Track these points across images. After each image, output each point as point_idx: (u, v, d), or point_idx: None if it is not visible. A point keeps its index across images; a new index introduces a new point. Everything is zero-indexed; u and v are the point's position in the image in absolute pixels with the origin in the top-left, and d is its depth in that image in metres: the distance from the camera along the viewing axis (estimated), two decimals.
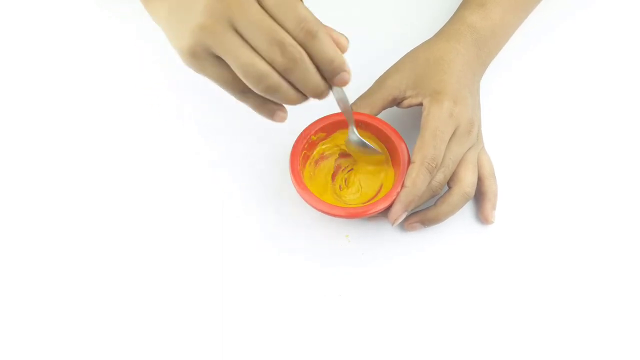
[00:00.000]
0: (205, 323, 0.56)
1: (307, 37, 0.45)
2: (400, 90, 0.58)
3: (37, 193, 0.61)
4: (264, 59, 0.45)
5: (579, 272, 0.58)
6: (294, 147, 0.57)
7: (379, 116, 0.59)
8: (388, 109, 0.60)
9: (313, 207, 0.56)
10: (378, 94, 0.59)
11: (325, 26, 0.46)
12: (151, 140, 0.63)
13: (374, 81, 0.60)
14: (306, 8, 0.45)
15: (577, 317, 0.56)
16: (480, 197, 0.60)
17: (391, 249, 0.59)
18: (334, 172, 0.60)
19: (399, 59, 0.61)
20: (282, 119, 0.50)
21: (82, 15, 0.69)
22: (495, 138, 0.62)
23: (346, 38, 0.48)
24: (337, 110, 0.60)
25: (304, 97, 0.48)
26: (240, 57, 0.45)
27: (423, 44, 0.61)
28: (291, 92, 0.47)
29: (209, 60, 0.46)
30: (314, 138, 0.59)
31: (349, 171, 0.60)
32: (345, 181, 0.60)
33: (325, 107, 0.60)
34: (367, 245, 0.59)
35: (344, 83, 0.48)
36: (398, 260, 0.59)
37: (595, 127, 0.64)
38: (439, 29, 0.63)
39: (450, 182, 0.58)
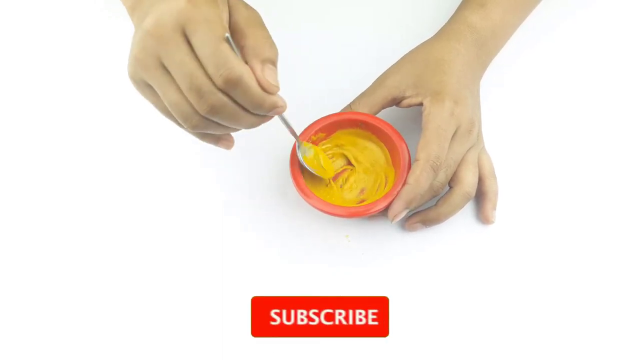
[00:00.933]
0: (206, 323, 0.56)
1: (228, 85, 0.44)
2: (400, 90, 0.58)
3: (38, 193, 0.61)
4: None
5: (579, 271, 0.58)
6: (294, 146, 0.57)
7: (379, 116, 0.59)
8: (388, 109, 0.60)
9: (313, 206, 0.56)
10: (378, 94, 0.59)
11: (255, 66, 0.45)
12: (152, 140, 0.63)
13: (373, 81, 0.60)
14: (229, 50, 0.44)
15: (577, 316, 0.56)
16: (480, 197, 0.60)
17: (391, 249, 0.59)
18: (334, 171, 0.60)
19: (398, 58, 0.61)
20: (227, 147, 0.51)
21: (82, 15, 0.69)
22: (495, 138, 0.62)
23: (276, 84, 0.46)
24: (339, 109, 0.60)
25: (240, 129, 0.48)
26: (166, 95, 0.45)
27: (423, 43, 0.61)
28: (222, 128, 0.47)
29: (147, 88, 0.46)
30: (314, 138, 0.59)
31: (349, 170, 0.60)
32: (345, 180, 0.60)
33: (326, 107, 0.60)
34: (367, 245, 0.59)
35: (279, 113, 0.47)
36: (398, 260, 0.59)
37: (596, 127, 0.64)
38: (438, 29, 0.63)
39: (451, 182, 0.58)
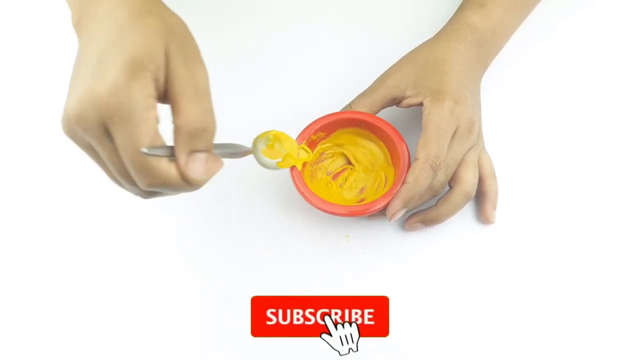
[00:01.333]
0: (206, 323, 0.56)
1: (152, 187, 0.42)
2: (400, 89, 0.58)
3: (28, 190, 0.61)
4: None
5: (579, 271, 0.58)
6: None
7: (379, 115, 0.59)
8: (388, 109, 0.60)
9: (313, 206, 0.56)
10: (378, 93, 0.59)
11: (180, 158, 0.42)
12: None
13: (373, 80, 0.60)
14: (150, 159, 0.41)
15: (577, 316, 0.56)
16: (480, 197, 0.60)
17: (391, 249, 0.59)
18: (334, 171, 0.60)
19: (399, 58, 0.61)
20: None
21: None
22: (495, 138, 0.62)
23: (200, 179, 0.43)
24: (339, 109, 0.60)
25: None
26: (103, 169, 0.44)
27: (423, 44, 0.61)
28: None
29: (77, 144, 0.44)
30: (314, 137, 0.59)
31: (349, 170, 0.60)
32: (345, 179, 0.60)
33: (325, 106, 0.60)
34: (367, 245, 0.59)
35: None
36: (398, 260, 0.59)
37: (596, 127, 0.64)
38: (438, 29, 0.63)
39: (451, 182, 0.58)
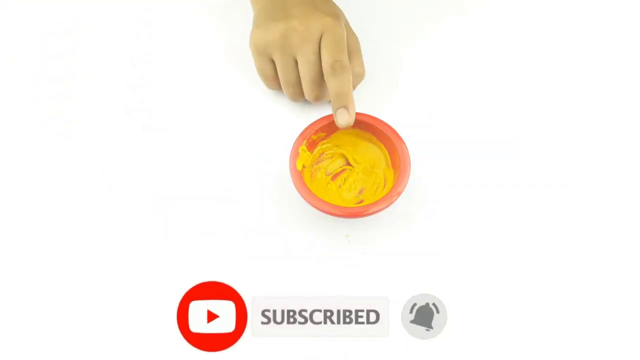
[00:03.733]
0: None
1: (338, 68, 0.57)
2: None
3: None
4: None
5: (580, 274, 0.58)
6: (294, 146, 0.57)
7: (379, 116, 0.59)
8: (388, 110, 0.60)
9: (313, 206, 0.56)
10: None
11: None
12: (150, 137, 0.63)
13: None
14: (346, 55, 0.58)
15: (577, 318, 0.57)
16: None
17: (391, 249, 0.59)
18: (333, 171, 0.61)
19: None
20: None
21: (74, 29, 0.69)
22: (494, 138, 0.62)
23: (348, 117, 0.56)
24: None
25: None
26: (286, 74, 0.61)
27: None
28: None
29: (266, 58, 0.61)
30: (314, 138, 0.59)
31: (348, 170, 0.60)
32: (344, 180, 0.60)
33: (326, 106, 0.60)
34: (367, 245, 0.59)
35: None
36: (398, 260, 0.59)
37: (595, 127, 0.64)
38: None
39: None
